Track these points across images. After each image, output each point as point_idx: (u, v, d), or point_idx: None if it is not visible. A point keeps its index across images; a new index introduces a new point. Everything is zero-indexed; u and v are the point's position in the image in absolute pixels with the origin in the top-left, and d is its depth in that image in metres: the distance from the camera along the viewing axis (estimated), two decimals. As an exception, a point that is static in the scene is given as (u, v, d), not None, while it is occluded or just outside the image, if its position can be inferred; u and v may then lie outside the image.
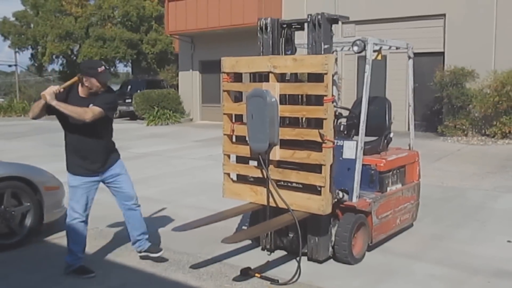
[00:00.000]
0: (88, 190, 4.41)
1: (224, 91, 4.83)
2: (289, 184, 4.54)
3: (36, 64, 32.53)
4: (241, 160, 4.86)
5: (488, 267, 4.56)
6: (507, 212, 6.44)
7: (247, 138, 4.58)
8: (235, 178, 4.93)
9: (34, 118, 4.33)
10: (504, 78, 12.84)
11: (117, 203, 4.65)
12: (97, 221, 5.59)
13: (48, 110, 4.20)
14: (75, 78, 4.30)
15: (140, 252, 4.74)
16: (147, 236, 4.75)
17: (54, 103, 4.08)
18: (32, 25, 30.25)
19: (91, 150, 4.35)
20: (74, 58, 29.99)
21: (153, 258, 4.69)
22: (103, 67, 4.33)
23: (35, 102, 4.29)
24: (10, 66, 35.72)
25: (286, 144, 4.45)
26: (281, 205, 4.45)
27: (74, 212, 4.40)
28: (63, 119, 4.29)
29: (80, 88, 4.33)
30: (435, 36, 14.42)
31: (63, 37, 28.03)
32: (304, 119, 4.61)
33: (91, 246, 4.93)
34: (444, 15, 14.34)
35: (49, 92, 4.09)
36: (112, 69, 31.08)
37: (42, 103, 4.14)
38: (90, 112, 4.16)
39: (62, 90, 4.21)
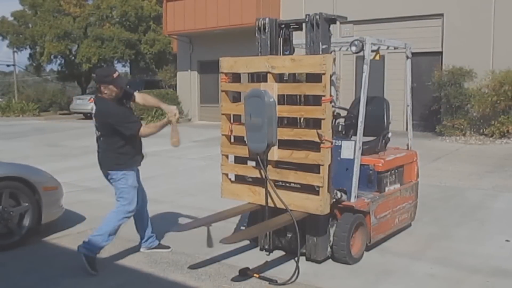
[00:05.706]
0: None
1: (222, 91, 4.83)
2: (287, 184, 4.54)
3: (34, 64, 32.44)
4: (239, 160, 4.86)
5: (486, 266, 4.57)
6: (505, 212, 6.45)
7: (245, 139, 4.58)
8: (233, 179, 4.93)
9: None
10: (502, 77, 12.84)
11: None
12: (95, 222, 5.57)
13: None
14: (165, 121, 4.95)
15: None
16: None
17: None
18: (30, 25, 30.20)
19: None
20: (73, 58, 29.91)
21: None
22: (117, 72, 4.53)
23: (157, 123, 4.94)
24: (8, 66, 35.60)
25: (284, 144, 4.45)
26: (280, 205, 4.45)
27: None
28: None
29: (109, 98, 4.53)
30: (433, 36, 14.44)
31: (62, 37, 27.97)
32: (302, 119, 4.61)
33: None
34: (442, 14, 14.35)
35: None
36: (110, 69, 31.02)
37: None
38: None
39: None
